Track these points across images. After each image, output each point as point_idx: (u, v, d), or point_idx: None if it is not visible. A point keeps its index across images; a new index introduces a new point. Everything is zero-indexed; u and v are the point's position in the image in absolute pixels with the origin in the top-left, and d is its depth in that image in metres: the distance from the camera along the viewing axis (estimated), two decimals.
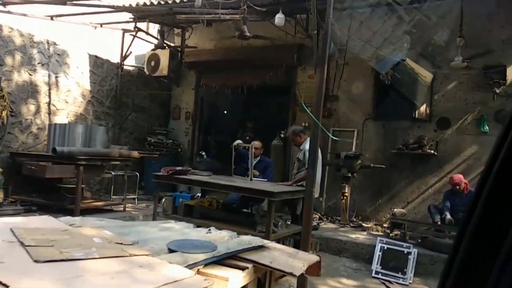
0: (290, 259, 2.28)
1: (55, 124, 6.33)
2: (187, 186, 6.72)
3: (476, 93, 6.21)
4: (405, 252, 4.76)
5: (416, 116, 6.48)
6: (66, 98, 7.19)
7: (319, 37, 3.92)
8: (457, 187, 5.36)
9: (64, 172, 5.28)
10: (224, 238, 2.50)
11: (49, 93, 6.86)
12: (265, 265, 2.14)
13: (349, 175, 6.35)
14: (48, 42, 6.82)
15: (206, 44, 8.76)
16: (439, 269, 4.39)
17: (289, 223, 4.45)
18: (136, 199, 7.32)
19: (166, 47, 8.04)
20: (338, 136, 7.41)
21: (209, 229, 2.64)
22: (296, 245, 4.33)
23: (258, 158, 5.10)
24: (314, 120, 3.55)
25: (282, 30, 6.83)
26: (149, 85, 8.82)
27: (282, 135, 7.65)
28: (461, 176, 5.49)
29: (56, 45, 6.96)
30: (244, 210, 4.62)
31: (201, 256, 2.00)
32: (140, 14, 6.80)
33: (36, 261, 1.50)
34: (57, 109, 7.00)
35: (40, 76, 6.71)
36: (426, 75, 6.34)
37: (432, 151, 6.33)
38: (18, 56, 6.35)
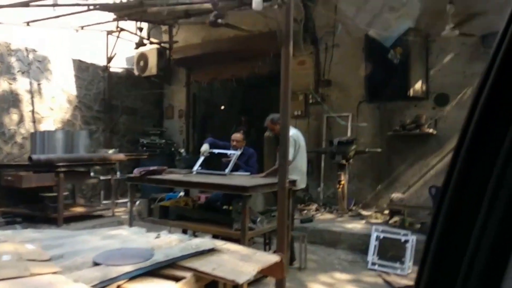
0: (240, 263, 2.02)
1: (35, 132, 6.20)
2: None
3: (475, 63, 5.77)
4: (403, 240, 4.44)
5: (411, 94, 6.10)
6: (51, 105, 7.05)
7: (285, 12, 3.60)
8: None
9: (42, 180, 5.13)
10: (171, 243, 2.26)
11: (32, 101, 6.73)
12: (206, 273, 1.89)
13: (344, 162, 6.03)
14: (26, 49, 6.68)
15: (194, 39, 8.50)
16: None
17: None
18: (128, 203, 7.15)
19: (149, 44, 7.82)
20: (332, 122, 7.10)
21: (158, 234, 2.40)
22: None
23: (241, 150, 4.83)
24: (281, 109, 3.26)
25: (265, 16, 6.51)
26: (140, 86, 8.65)
27: None
28: None
29: (35, 51, 6.81)
30: (225, 207, 4.37)
31: (126, 269, 1.76)
32: (115, 12, 6.58)
33: None
34: (42, 117, 6.87)
35: (21, 85, 6.57)
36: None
37: (431, 130, 5.95)
38: None
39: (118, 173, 7.03)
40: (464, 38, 5.74)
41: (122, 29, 7.85)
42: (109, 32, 7.94)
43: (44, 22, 6.80)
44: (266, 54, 7.26)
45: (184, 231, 4.56)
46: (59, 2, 6.08)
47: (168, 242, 2.29)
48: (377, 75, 6.60)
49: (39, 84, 6.85)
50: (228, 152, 4.73)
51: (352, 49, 6.79)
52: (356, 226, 5.33)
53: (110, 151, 6.91)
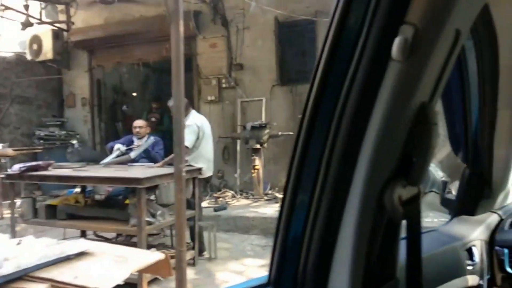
0: (111, 267, 1.74)
1: None
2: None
3: None
4: None
5: None
6: None
7: None
8: None
9: None
10: (34, 250, 1.90)
11: None
12: (65, 283, 1.58)
13: (258, 146, 5.95)
14: None
15: (96, 20, 7.74)
16: None
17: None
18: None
19: (42, 25, 6.94)
20: (246, 107, 6.98)
21: (20, 240, 2.01)
22: (192, 233, 3.86)
23: (145, 138, 4.48)
24: (174, 93, 2.98)
25: None
26: (34, 72, 7.68)
27: None
28: None
29: None
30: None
31: None
32: None
33: None
34: None
35: None
36: None
37: None
38: None
39: (9, 170, 6.18)
40: None
41: (7, 7, 6.86)
42: None
43: None
44: None
45: (83, 232, 4.12)
46: None
47: (30, 248, 1.92)
48: (288, 58, 6.60)
49: None
50: (134, 143, 4.43)
51: (263, 32, 6.68)
52: (270, 210, 5.29)
53: None
